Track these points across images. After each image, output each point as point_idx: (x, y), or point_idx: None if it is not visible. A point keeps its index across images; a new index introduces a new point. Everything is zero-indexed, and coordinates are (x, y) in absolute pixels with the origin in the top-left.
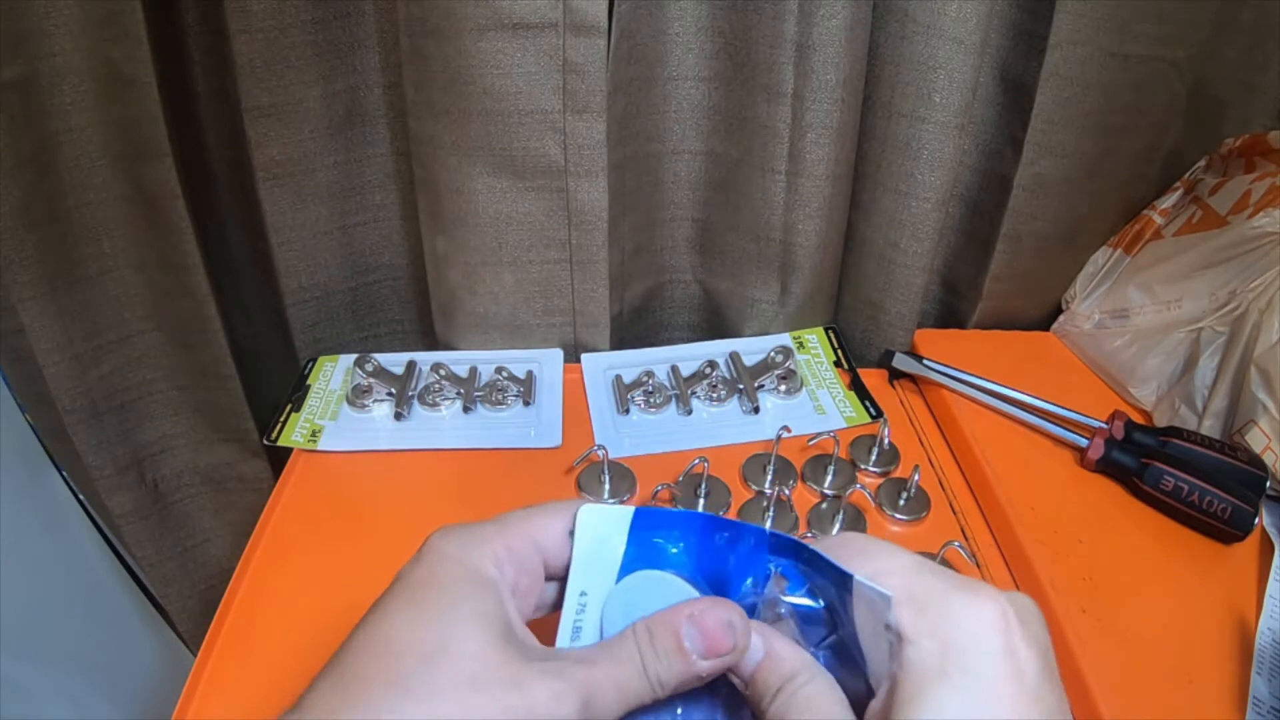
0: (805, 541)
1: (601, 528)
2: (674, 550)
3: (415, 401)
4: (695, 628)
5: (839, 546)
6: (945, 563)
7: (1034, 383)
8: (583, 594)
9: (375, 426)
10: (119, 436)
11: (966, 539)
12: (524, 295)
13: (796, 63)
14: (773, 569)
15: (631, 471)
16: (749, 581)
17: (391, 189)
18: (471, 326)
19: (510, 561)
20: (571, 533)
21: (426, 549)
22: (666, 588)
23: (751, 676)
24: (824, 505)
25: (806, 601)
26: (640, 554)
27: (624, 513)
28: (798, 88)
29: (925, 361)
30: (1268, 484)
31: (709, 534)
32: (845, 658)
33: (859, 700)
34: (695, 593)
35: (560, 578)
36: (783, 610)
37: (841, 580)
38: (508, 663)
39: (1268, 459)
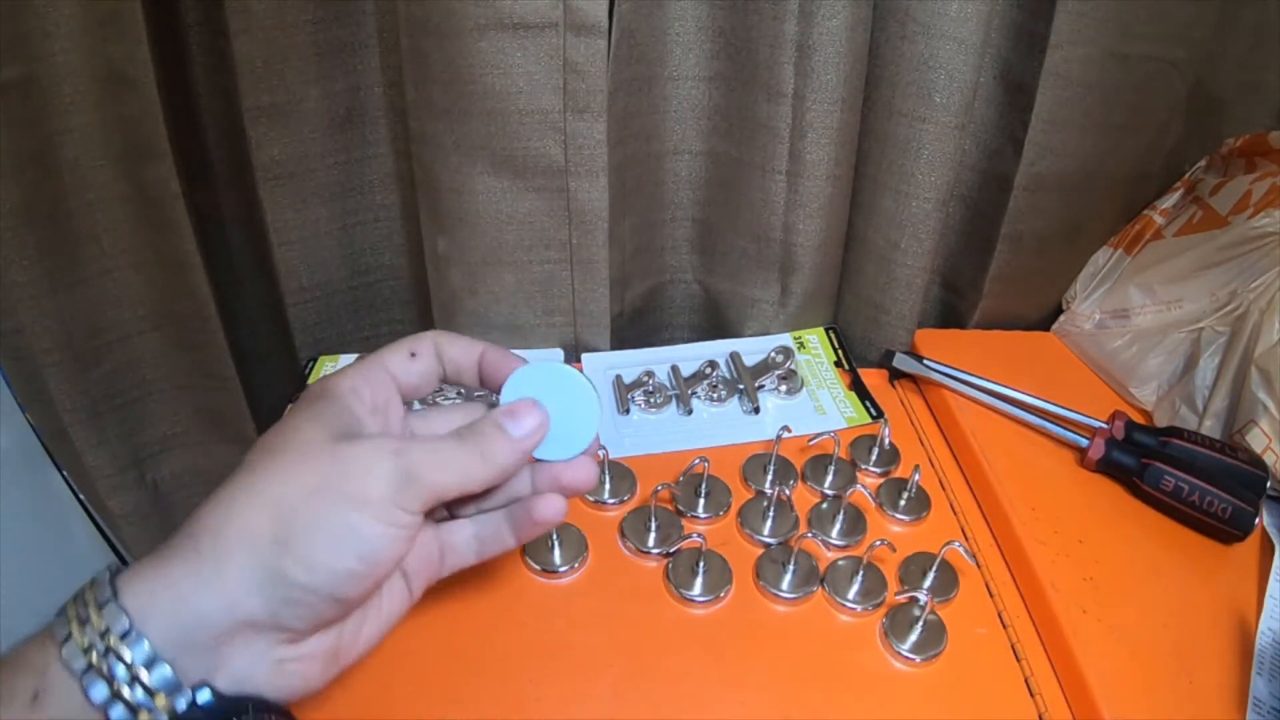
0: None
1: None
2: None
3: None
4: (510, 415)
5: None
6: (945, 563)
7: (1034, 383)
8: None
9: None
10: (119, 436)
11: (966, 539)
12: (524, 295)
13: (797, 63)
14: None
15: (632, 471)
16: None
17: (392, 189)
18: (472, 326)
19: (365, 382)
20: (413, 355)
21: (304, 393)
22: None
23: None
24: (824, 505)
25: None
26: None
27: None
28: (798, 88)
29: (925, 361)
30: (1268, 484)
31: None
32: None
33: None
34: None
35: (416, 391)
36: None
37: None
38: (332, 442)
39: (1268, 459)
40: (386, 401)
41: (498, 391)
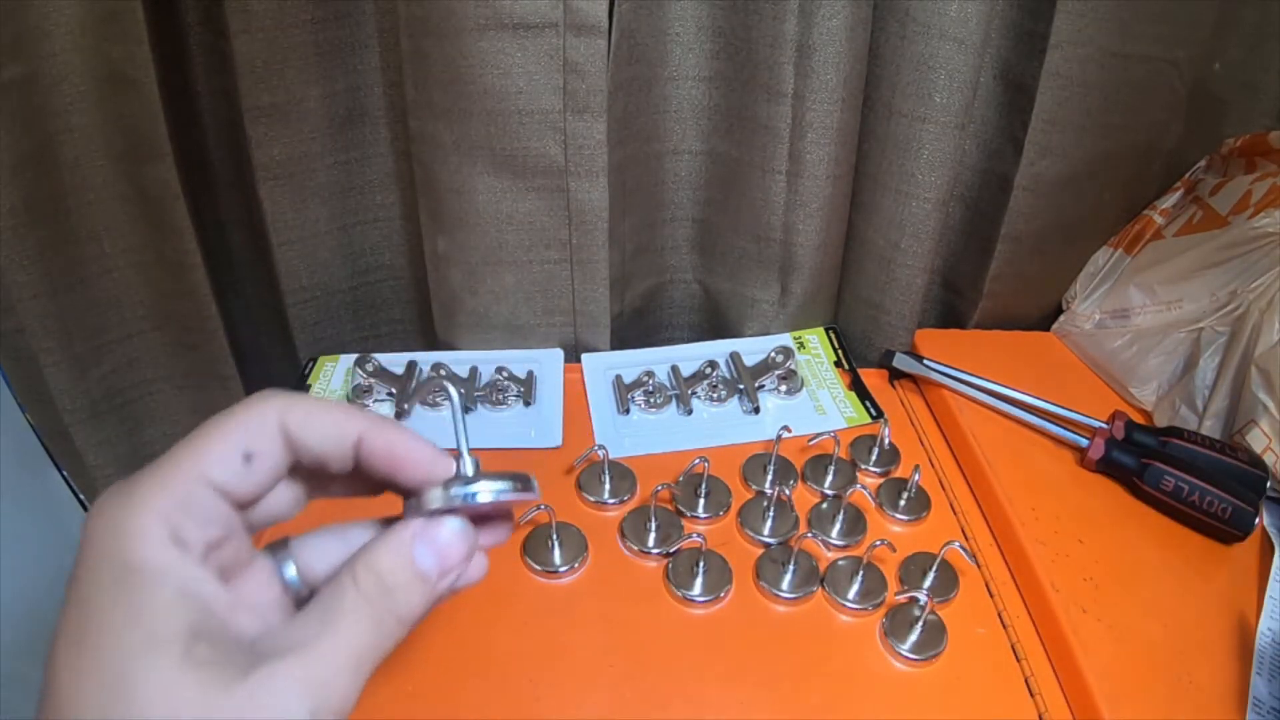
0: None
1: None
2: None
3: (416, 401)
4: (428, 547)
5: None
6: (945, 563)
7: (1034, 383)
8: None
9: None
10: (119, 436)
11: (966, 539)
12: (524, 295)
13: (797, 63)
14: None
15: (632, 471)
16: None
17: (392, 189)
18: (472, 326)
19: (190, 520)
20: (249, 457)
21: (84, 542)
22: None
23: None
24: (824, 505)
25: None
26: None
27: None
28: (798, 88)
29: (925, 361)
30: (1268, 484)
31: None
32: None
33: None
34: None
35: (255, 499)
36: None
37: None
38: (206, 699)
39: (1268, 459)
40: (222, 538)
41: (383, 479)
